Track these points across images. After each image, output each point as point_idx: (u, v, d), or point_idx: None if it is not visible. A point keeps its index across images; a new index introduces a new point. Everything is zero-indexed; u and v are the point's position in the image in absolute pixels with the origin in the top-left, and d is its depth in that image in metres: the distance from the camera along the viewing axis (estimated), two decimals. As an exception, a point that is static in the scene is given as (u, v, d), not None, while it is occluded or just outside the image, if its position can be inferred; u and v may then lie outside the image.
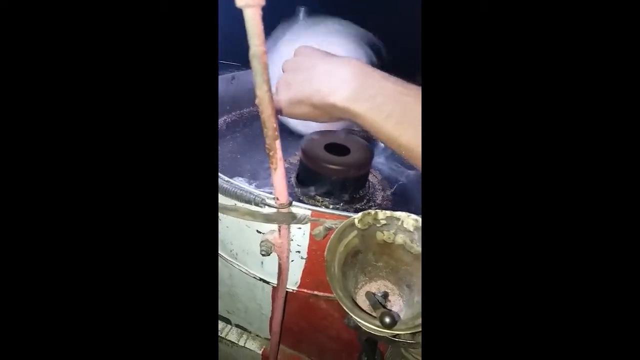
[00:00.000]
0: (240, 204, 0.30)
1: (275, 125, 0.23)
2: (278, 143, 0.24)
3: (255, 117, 0.67)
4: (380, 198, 0.55)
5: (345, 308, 0.23)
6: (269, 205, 0.28)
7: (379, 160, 0.62)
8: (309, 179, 0.49)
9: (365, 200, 0.53)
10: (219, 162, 0.56)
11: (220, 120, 0.63)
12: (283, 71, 0.31)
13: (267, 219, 0.28)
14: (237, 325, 0.52)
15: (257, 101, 0.22)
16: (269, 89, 0.21)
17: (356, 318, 0.23)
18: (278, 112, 0.29)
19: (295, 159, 0.58)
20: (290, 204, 0.27)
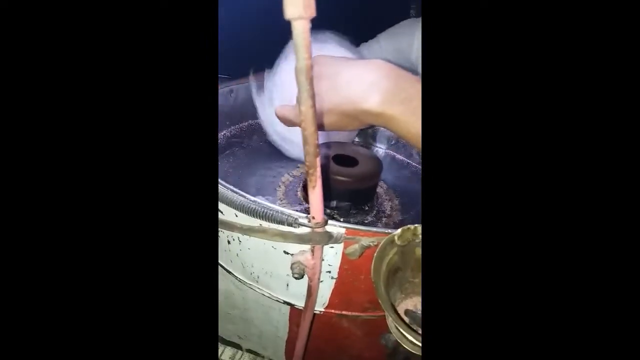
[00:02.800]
0: (267, 225, 0.28)
1: (317, 142, 0.22)
2: (319, 160, 0.22)
3: (255, 131, 0.65)
4: (389, 208, 0.55)
5: (400, 329, 0.22)
6: (303, 225, 0.27)
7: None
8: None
9: (375, 211, 0.53)
10: (224, 179, 0.53)
11: (220, 135, 0.61)
12: None
13: (302, 239, 0.27)
14: (249, 351, 0.49)
15: (301, 117, 0.21)
16: (314, 105, 0.20)
17: (412, 339, 0.21)
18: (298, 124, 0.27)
19: (299, 172, 0.57)
20: (325, 223, 0.26)
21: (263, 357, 0.48)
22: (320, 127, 0.29)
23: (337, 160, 0.49)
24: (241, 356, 0.48)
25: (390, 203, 0.57)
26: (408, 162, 0.69)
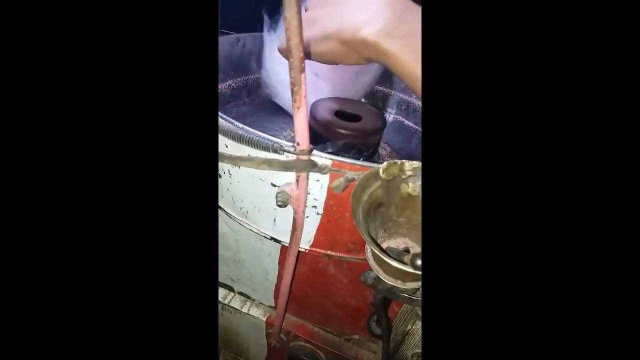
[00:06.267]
0: (254, 153, 0.28)
1: (302, 55, 0.21)
2: (304, 77, 0.22)
3: (261, 85, 0.64)
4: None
5: (373, 250, 0.22)
6: (288, 152, 0.26)
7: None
8: (317, 145, 0.47)
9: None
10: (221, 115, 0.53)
11: (224, 85, 0.60)
12: (306, 10, 0.29)
13: (286, 166, 0.27)
14: (240, 293, 0.51)
15: (284, 25, 0.20)
16: (299, 11, 0.19)
17: (388, 260, 0.21)
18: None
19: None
20: (311, 151, 0.26)
21: (253, 299, 0.50)
22: (318, 55, 0.28)
23: (339, 116, 0.48)
24: (233, 297, 0.50)
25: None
26: (416, 129, 0.67)
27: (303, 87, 0.22)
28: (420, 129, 0.67)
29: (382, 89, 0.70)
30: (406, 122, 0.69)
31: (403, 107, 0.70)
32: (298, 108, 0.23)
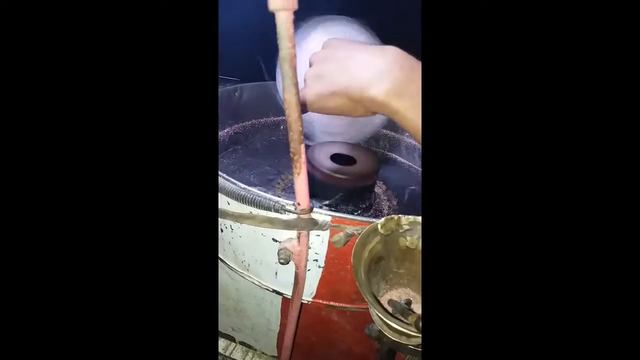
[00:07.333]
0: (257, 211, 0.29)
1: (301, 129, 0.23)
2: (303, 147, 0.24)
3: (257, 130, 0.67)
4: (386, 208, 0.55)
5: (377, 313, 0.23)
6: (289, 211, 0.27)
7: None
8: (314, 189, 0.49)
9: (372, 210, 0.53)
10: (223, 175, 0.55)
11: (223, 133, 0.62)
12: (311, 64, 0.29)
13: (288, 225, 0.28)
14: (242, 343, 0.50)
15: (284, 104, 0.22)
16: (297, 93, 0.22)
17: (392, 323, 0.22)
18: (303, 107, 0.27)
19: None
20: (311, 210, 0.27)
21: (255, 349, 0.49)
22: (325, 110, 0.29)
23: (335, 159, 0.50)
24: (234, 348, 0.49)
25: (388, 203, 0.57)
26: (410, 165, 0.70)
27: (302, 155, 0.24)
28: (412, 165, 0.70)
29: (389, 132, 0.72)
30: (399, 159, 0.71)
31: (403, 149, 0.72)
32: (298, 174, 0.24)
